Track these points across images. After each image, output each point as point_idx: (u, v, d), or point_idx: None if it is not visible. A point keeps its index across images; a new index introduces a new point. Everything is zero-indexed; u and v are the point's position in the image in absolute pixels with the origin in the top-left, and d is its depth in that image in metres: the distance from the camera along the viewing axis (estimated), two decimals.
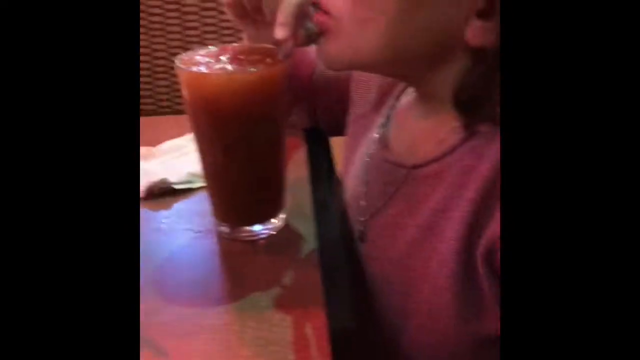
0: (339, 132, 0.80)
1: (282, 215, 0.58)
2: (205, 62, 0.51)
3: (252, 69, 0.50)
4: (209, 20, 1.08)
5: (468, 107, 0.51)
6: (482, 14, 0.47)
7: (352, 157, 0.68)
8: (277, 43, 0.52)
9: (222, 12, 1.07)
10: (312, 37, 0.52)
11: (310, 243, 0.56)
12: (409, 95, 0.61)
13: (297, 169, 0.70)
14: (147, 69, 1.11)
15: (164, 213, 0.62)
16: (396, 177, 0.56)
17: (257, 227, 0.57)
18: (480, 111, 0.50)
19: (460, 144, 0.52)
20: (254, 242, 0.57)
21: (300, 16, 0.52)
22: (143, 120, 0.90)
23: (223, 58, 0.52)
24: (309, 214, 0.61)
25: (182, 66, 0.51)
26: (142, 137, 0.78)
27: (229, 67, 0.51)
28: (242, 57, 0.53)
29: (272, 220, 0.57)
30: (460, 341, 0.50)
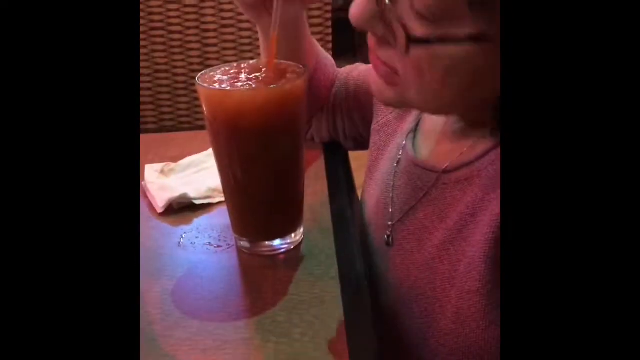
0: (358, 146, 0.80)
1: (301, 230, 0.58)
2: (225, 80, 0.52)
3: (272, 85, 0.51)
4: (227, 37, 1.09)
5: None
6: None
7: (376, 164, 0.68)
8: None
9: (240, 30, 1.09)
10: None
11: (329, 257, 0.56)
12: None
13: (315, 183, 0.71)
14: (168, 85, 1.13)
15: (184, 228, 0.63)
16: (426, 181, 0.57)
17: (276, 242, 0.57)
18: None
19: (492, 149, 0.52)
20: (273, 257, 0.57)
21: None
22: (164, 136, 0.92)
23: (242, 75, 0.53)
24: (328, 228, 0.61)
25: (203, 84, 0.51)
26: (163, 152, 0.80)
27: (249, 83, 0.51)
28: (260, 73, 0.53)
29: (291, 234, 0.57)
30: (487, 346, 0.50)
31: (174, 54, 1.12)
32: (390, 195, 0.61)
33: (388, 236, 0.59)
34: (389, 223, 0.60)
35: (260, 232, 0.57)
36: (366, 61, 0.75)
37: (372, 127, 0.71)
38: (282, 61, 0.55)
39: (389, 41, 0.48)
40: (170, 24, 1.10)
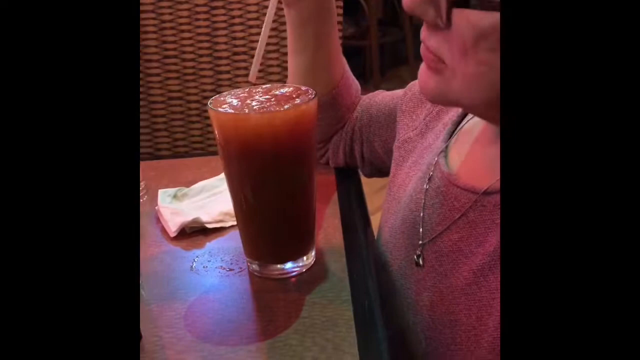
0: (376, 172, 0.80)
1: (313, 253, 0.58)
2: (237, 103, 0.53)
3: (282, 108, 0.51)
4: (240, 65, 1.11)
5: None
6: None
7: (396, 180, 0.67)
8: None
9: (252, 57, 1.10)
10: None
11: (341, 280, 0.56)
12: (475, 121, 0.61)
13: (328, 206, 0.71)
14: (181, 112, 1.14)
15: (196, 252, 0.63)
16: (462, 202, 0.55)
17: (288, 265, 0.57)
18: None
19: None
20: (285, 280, 0.57)
21: None
22: (177, 162, 0.93)
23: (253, 98, 0.53)
24: (340, 251, 0.61)
25: (215, 108, 0.52)
26: (177, 178, 0.81)
27: (260, 107, 0.52)
28: (273, 96, 0.54)
29: (303, 257, 0.57)
30: None
31: (187, 81, 1.13)
32: (421, 214, 0.59)
33: (418, 256, 0.58)
34: (419, 242, 0.58)
35: (271, 255, 0.57)
36: (377, 88, 0.76)
37: (394, 145, 0.71)
38: (293, 85, 0.56)
39: (439, 26, 0.48)
40: (184, 52, 1.12)
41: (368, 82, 3.43)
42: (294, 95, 0.53)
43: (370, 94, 0.81)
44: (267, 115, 0.51)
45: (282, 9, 0.71)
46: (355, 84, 0.79)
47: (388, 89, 0.81)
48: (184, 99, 1.14)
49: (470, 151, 0.59)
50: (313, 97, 0.52)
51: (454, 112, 0.64)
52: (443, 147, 0.62)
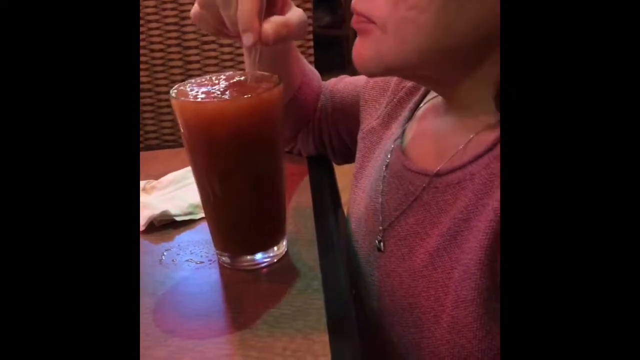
0: (346, 159, 0.80)
1: (284, 243, 0.58)
2: (200, 92, 0.51)
3: (245, 96, 0.50)
4: (209, 54, 1.09)
5: None
6: None
7: (362, 172, 0.67)
8: (249, 49, 0.52)
9: (222, 45, 1.09)
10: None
11: (312, 269, 0.55)
12: (429, 104, 0.61)
13: (300, 195, 0.70)
14: (151, 104, 1.12)
15: (165, 245, 0.62)
16: (416, 185, 0.55)
17: (258, 256, 0.56)
18: None
19: (486, 152, 0.51)
20: (255, 271, 0.56)
21: (261, 17, 0.50)
22: (146, 154, 0.91)
23: (216, 86, 0.52)
24: (312, 241, 0.60)
25: (177, 97, 0.51)
26: (146, 170, 0.79)
27: (223, 95, 0.51)
28: (236, 84, 0.53)
29: (274, 248, 0.56)
30: (483, 356, 0.49)
31: (156, 72, 1.11)
32: (380, 200, 0.60)
33: (379, 241, 0.58)
34: (380, 228, 0.58)
35: (241, 247, 0.56)
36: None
37: (358, 136, 0.71)
38: (257, 72, 0.55)
39: None
40: (152, 42, 1.10)
41: (345, 72, 3.41)
42: (258, 82, 0.52)
43: (333, 80, 0.79)
44: (227, 103, 0.49)
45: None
46: (315, 76, 0.78)
47: None
48: (154, 90, 1.12)
49: (423, 134, 0.59)
50: (277, 84, 0.51)
51: (415, 100, 0.64)
52: (399, 132, 0.62)
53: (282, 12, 0.55)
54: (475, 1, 0.47)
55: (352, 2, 0.51)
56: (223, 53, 1.09)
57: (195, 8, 0.57)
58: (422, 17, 0.47)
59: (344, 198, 0.75)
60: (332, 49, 3.40)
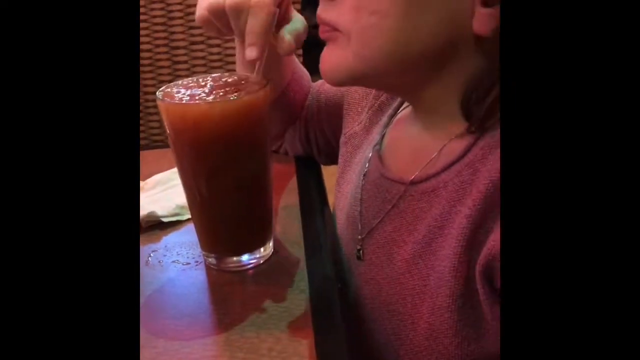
0: (331, 160, 0.80)
1: (270, 244, 0.58)
2: (186, 93, 0.51)
3: (231, 97, 0.50)
4: (197, 54, 1.09)
5: (476, 109, 0.50)
6: (487, 2, 0.46)
7: (344, 177, 0.67)
8: (251, 62, 0.52)
9: (210, 46, 1.08)
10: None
11: (299, 271, 0.55)
12: (404, 112, 0.61)
13: (287, 196, 0.70)
14: (139, 104, 1.12)
15: (152, 246, 0.62)
16: (393, 193, 0.56)
17: (245, 257, 0.56)
18: (488, 114, 0.49)
19: (457, 160, 0.51)
20: (242, 272, 0.56)
21: (269, 33, 0.52)
22: None
23: (203, 88, 0.52)
24: (299, 242, 0.60)
25: (162, 98, 0.51)
26: None
27: (209, 96, 0.51)
28: (222, 85, 0.53)
29: (260, 249, 0.57)
30: None
31: (143, 72, 1.11)
32: (359, 209, 0.60)
33: (359, 250, 0.58)
34: (359, 237, 0.59)
35: (227, 248, 0.56)
36: None
37: (340, 140, 0.71)
38: (244, 73, 0.55)
39: None
40: (140, 43, 1.09)
41: None
42: (245, 84, 0.52)
43: (320, 81, 0.80)
44: (212, 105, 0.49)
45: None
46: (305, 74, 0.78)
47: None
48: (141, 91, 1.12)
49: (399, 143, 0.60)
50: (264, 85, 0.52)
51: (394, 105, 0.65)
52: (378, 139, 0.62)
53: (286, 17, 0.56)
54: (438, 6, 0.47)
55: (317, 11, 0.52)
56: (211, 54, 1.09)
57: (202, 12, 0.57)
58: (384, 23, 0.47)
59: (331, 199, 0.75)
60: (320, 49, 3.41)
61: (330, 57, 0.52)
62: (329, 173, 0.82)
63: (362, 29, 0.48)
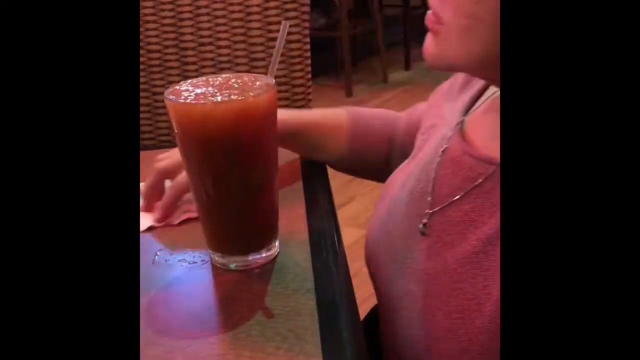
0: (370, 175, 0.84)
1: (276, 243, 0.58)
2: (194, 93, 0.52)
3: (236, 97, 0.51)
4: (206, 55, 1.09)
5: None
6: None
7: (413, 158, 0.68)
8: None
9: (219, 47, 1.09)
10: None
11: (305, 270, 0.55)
12: (493, 92, 0.62)
13: (293, 196, 0.70)
14: (147, 104, 1.12)
15: (159, 245, 0.62)
16: (479, 172, 0.55)
17: (251, 257, 0.56)
18: None
19: None
20: (248, 271, 0.56)
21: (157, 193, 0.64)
22: (143, 154, 0.91)
23: (210, 88, 0.52)
24: (305, 241, 0.60)
25: (170, 98, 0.51)
26: (143, 170, 0.79)
27: (215, 96, 0.51)
28: (230, 86, 0.53)
29: (266, 248, 0.57)
30: None
31: (153, 72, 1.11)
32: (432, 184, 0.59)
33: (424, 225, 0.58)
34: (427, 211, 0.58)
35: (234, 247, 0.56)
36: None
37: (418, 133, 0.72)
38: (252, 74, 0.55)
39: None
40: (149, 43, 1.10)
41: (339, 74, 3.42)
42: (253, 85, 0.53)
43: (410, 109, 0.82)
44: (220, 105, 0.50)
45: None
46: (379, 121, 0.82)
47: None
48: (150, 91, 1.13)
49: (484, 121, 0.60)
50: (272, 87, 0.52)
51: (473, 90, 0.65)
52: (460, 119, 0.62)
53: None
54: None
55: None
56: (220, 55, 1.10)
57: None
58: (479, 26, 0.49)
59: (337, 199, 0.75)
60: (327, 50, 3.42)
61: (432, 46, 0.54)
62: (333, 173, 0.82)
63: (461, 30, 0.51)
